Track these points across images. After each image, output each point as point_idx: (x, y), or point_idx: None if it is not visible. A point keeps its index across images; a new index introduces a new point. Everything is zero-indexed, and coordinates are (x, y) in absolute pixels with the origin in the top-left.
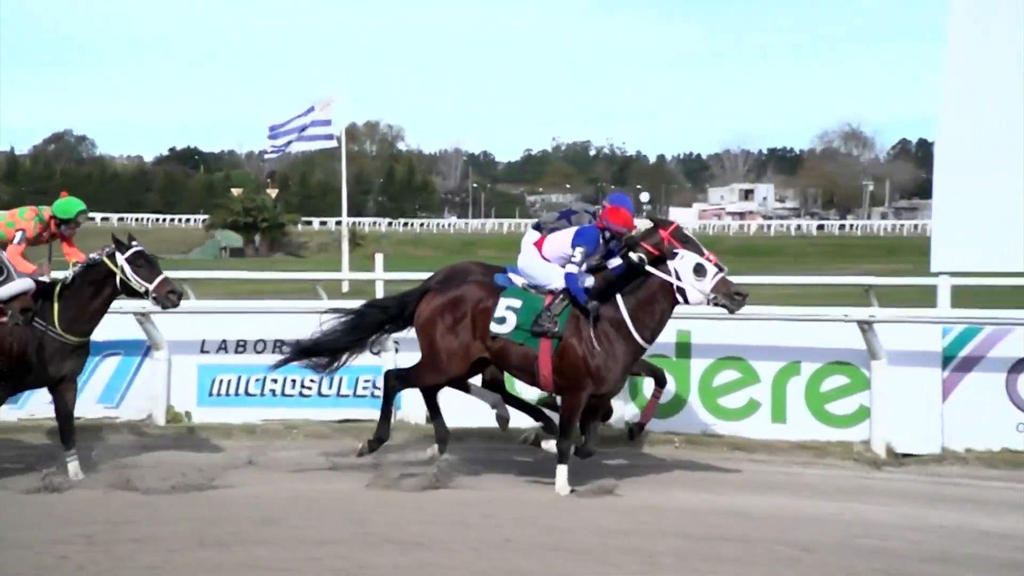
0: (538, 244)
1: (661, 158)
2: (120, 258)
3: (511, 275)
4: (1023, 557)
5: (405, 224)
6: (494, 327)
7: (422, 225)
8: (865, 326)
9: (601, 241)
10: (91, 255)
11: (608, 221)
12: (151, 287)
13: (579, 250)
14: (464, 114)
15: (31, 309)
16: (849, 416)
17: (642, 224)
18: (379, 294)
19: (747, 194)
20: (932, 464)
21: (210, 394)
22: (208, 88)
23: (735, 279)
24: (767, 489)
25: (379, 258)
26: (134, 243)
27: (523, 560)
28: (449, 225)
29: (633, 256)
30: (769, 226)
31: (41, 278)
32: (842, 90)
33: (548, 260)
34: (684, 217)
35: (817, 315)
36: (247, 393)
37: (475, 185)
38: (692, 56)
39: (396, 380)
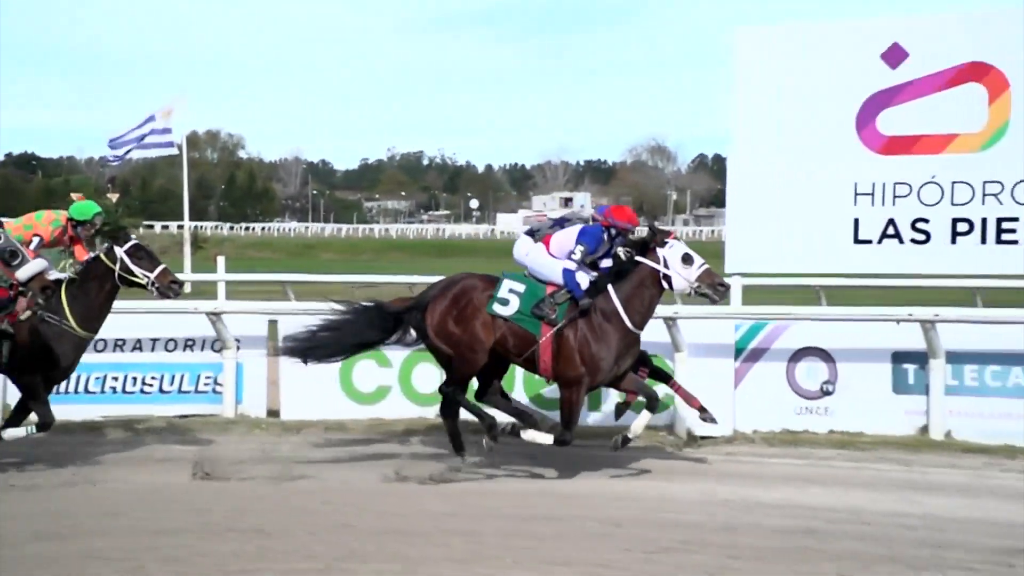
0: (545, 241)
1: (489, 168)
2: (119, 251)
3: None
4: (793, 523)
5: (247, 228)
6: (496, 307)
7: (263, 229)
8: (670, 322)
9: (606, 239)
10: (90, 254)
11: (613, 219)
12: (153, 277)
13: (580, 248)
14: (303, 125)
15: (50, 287)
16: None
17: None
18: (221, 294)
19: (567, 202)
20: (724, 444)
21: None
22: (46, 95)
23: None
24: (581, 470)
25: (221, 260)
26: (131, 237)
27: (358, 543)
28: (290, 229)
29: (621, 251)
30: None
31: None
32: (648, 108)
33: (555, 256)
34: (510, 222)
35: None
36: (87, 391)
37: (314, 192)
38: (517, 74)
39: (451, 389)
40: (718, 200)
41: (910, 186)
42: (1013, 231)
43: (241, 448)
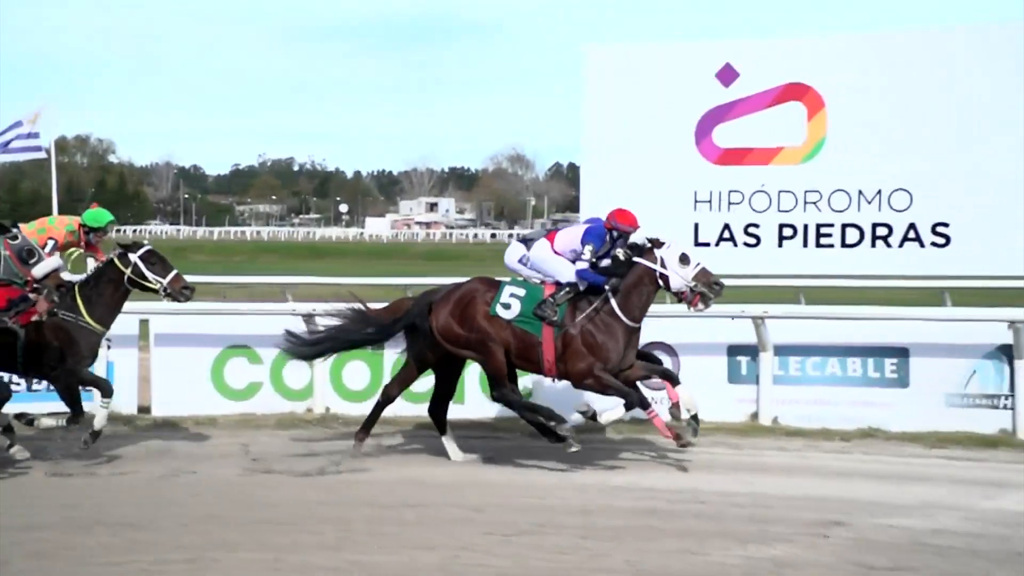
0: (550, 238)
1: (358, 174)
2: (133, 257)
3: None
4: (639, 504)
5: (118, 230)
6: (499, 311)
7: (135, 232)
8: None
9: (608, 240)
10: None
11: (616, 221)
12: (165, 282)
13: (588, 248)
14: (175, 131)
15: (64, 285)
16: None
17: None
18: None
19: (432, 207)
20: (580, 434)
21: None
22: None
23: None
24: (443, 461)
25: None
26: (145, 243)
27: (228, 533)
28: (162, 232)
29: (619, 252)
30: (452, 234)
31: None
32: (509, 119)
33: (560, 253)
34: (378, 226)
35: None
36: None
37: (186, 196)
38: (384, 85)
39: (503, 392)
40: (573, 206)
41: (742, 194)
42: (829, 235)
43: (111, 444)
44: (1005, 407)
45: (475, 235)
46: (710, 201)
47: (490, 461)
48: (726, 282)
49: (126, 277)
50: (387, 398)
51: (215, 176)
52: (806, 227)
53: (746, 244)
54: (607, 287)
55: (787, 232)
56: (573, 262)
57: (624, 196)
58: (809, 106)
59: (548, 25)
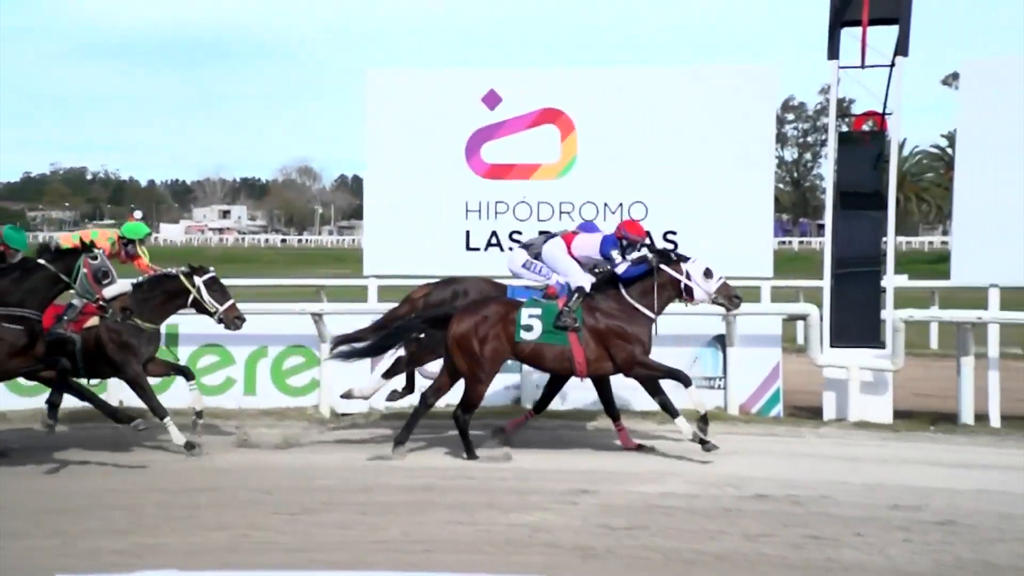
0: (566, 240)
1: (152, 182)
2: (198, 280)
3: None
4: (416, 482)
5: None
6: (523, 335)
7: None
8: (316, 317)
9: (619, 247)
10: (168, 269)
11: (626, 231)
12: (221, 310)
13: (616, 253)
14: None
15: (129, 308)
16: (304, 387)
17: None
18: None
19: (225, 214)
20: (362, 419)
21: None
22: None
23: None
24: (236, 447)
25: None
26: (211, 270)
27: (14, 522)
28: None
29: (650, 256)
30: (244, 239)
31: None
32: (297, 133)
33: (575, 256)
34: (172, 231)
35: (281, 310)
36: None
37: None
38: (178, 100)
39: (462, 412)
40: (358, 214)
41: (507, 205)
42: None
43: None
44: (719, 387)
45: (266, 240)
46: (479, 211)
47: (279, 447)
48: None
49: (190, 297)
50: (425, 405)
51: (5, 184)
52: None
53: (511, 249)
54: (621, 289)
55: None
56: (586, 267)
57: (404, 205)
58: (562, 128)
59: (332, 49)
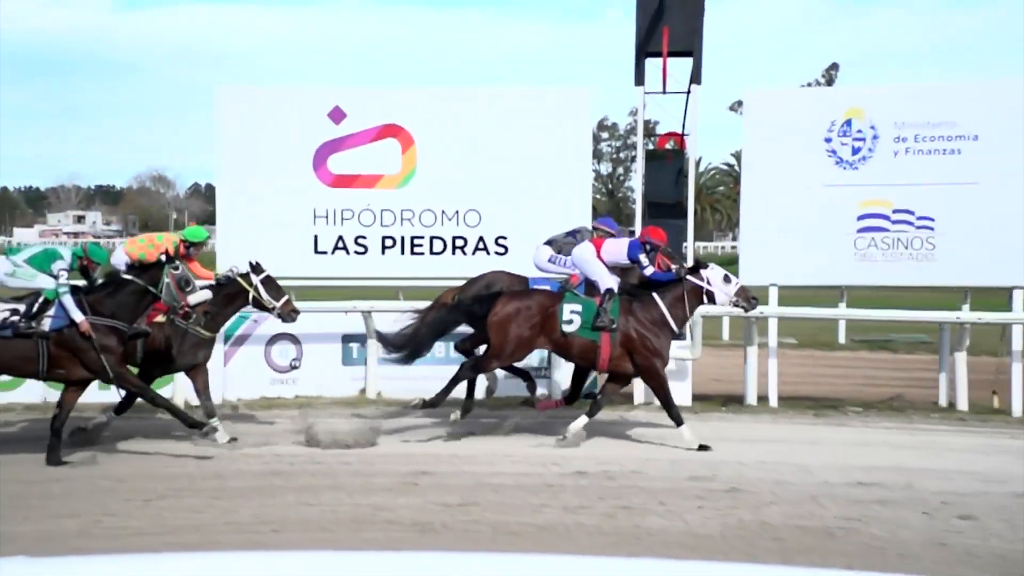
0: (596, 244)
1: (5, 189)
2: (255, 279)
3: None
4: (266, 467)
5: None
6: (565, 327)
7: None
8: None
9: (644, 251)
10: (223, 273)
11: (650, 237)
12: (278, 305)
13: (644, 257)
14: None
15: (210, 313)
16: (159, 382)
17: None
18: None
19: (80, 219)
20: (226, 410)
21: None
22: None
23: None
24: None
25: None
26: (265, 269)
27: None
28: None
29: (674, 266)
30: (99, 242)
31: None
32: (151, 144)
33: (603, 260)
34: (26, 235)
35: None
36: None
37: None
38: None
39: (470, 370)
40: (211, 219)
41: (353, 211)
42: (421, 245)
43: None
44: (545, 375)
45: (121, 242)
46: (327, 217)
47: (130, 437)
48: (340, 284)
49: (250, 296)
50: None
51: None
52: (403, 239)
53: (356, 252)
54: (655, 296)
55: (388, 243)
56: (614, 271)
57: (256, 211)
58: (403, 142)
59: (184, 64)
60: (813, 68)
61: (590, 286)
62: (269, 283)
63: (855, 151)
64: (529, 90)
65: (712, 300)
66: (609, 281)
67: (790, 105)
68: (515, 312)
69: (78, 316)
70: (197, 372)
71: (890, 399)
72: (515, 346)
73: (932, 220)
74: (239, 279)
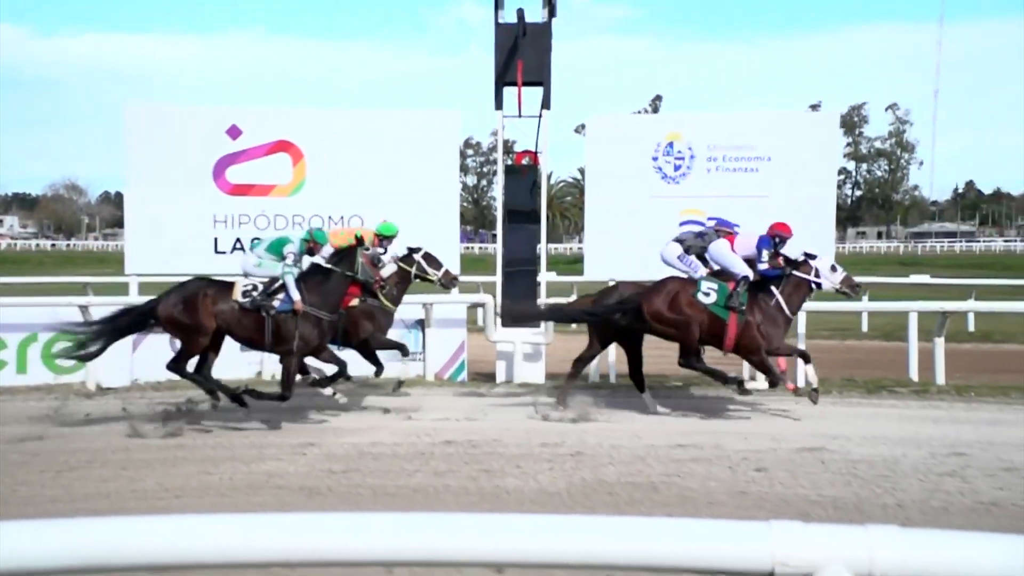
0: (730, 239)
1: None
2: (417, 257)
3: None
4: (177, 441)
5: None
6: (701, 297)
7: None
8: (84, 308)
9: (772, 245)
10: (388, 261)
11: (778, 231)
12: (440, 275)
13: (765, 252)
14: None
15: (400, 283)
16: (72, 367)
17: None
18: None
19: None
20: (124, 392)
21: None
22: None
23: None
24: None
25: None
26: (422, 247)
27: None
28: None
29: (782, 261)
30: (16, 244)
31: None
32: (65, 154)
33: (736, 253)
34: None
35: (52, 302)
36: None
37: None
38: None
39: (690, 360)
40: (120, 223)
41: (249, 216)
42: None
43: None
44: (420, 359)
45: (37, 245)
46: (226, 221)
47: (44, 418)
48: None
49: (412, 274)
50: (576, 371)
51: None
52: None
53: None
54: (773, 289)
55: None
56: (746, 261)
57: (160, 216)
58: (293, 156)
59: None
60: (642, 98)
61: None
62: (428, 258)
63: (676, 168)
64: (405, 112)
65: (819, 288)
66: (744, 270)
67: (623, 129)
68: (662, 301)
69: (295, 295)
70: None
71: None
72: (687, 318)
73: (738, 227)
74: (401, 263)
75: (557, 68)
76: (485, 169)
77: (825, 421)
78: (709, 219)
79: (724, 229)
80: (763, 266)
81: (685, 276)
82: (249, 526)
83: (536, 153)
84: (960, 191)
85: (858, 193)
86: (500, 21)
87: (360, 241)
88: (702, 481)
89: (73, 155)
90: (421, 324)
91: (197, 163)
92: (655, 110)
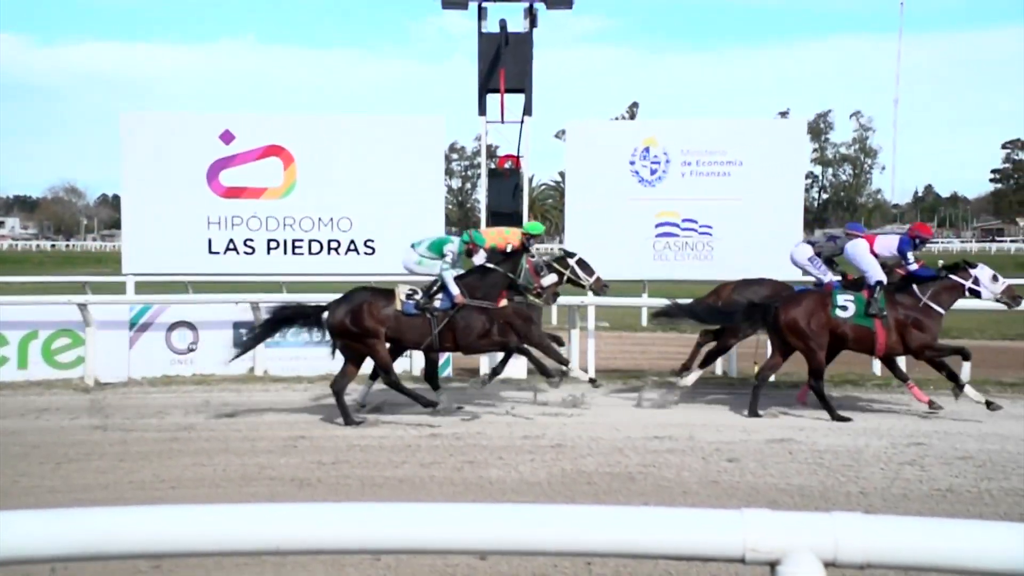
0: (869, 240)
1: None
2: (571, 261)
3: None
4: (164, 435)
5: None
6: (839, 313)
7: None
8: (82, 306)
9: (913, 246)
10: (540, 263)
11: (918, 232)
12: (592, 281)
13: (910, 254)
14: None
15: (557, 294)
16: (71, 363)
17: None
18: None
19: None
20: (122, 387)
21: None
22: None
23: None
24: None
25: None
26: (576, 253)
27: None
28: None
29: (940, 267)
30: (17, 245)
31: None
32: (65, 159)
33: (878, 254)
34: None
35: (51, 300)
36: None
37: None
38: None
39: (815, 380)
40: (118, 224)
41: (242, 218)
42: (301, 247)
43: None
44: (406, 356)
45: (37, 245)
46: (219, 223)
47: (45, 410)
48: (231, 280)
49: (565, 276)
50: (763, 380)
51: None
52: (286, 241)
53: (246, 253)
54: (915, 289)
55: (273, 245)
56: (883, 264)
57: (156, 218)
58: (284, 160)
59: (92, 91)
60: (619, 105)
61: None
62: (582, 264)
63: (652, 172)
64: (393, 118)
65: (977, 295)
66: (879, 275)
67: (602, 134)
68: (799, 313)
69: (455, 290)
70: (516, 331)
71: (677, 371)
72: (818, 336)
73: (711, 228)
74: (555, 264)
75: (538, 76)
76: (469, 172)
77: (792, 413)
78: (684, 220)
79: (854, 233)
80: (913, 267)
81: (822, 293)
82: (242, 516)
83: (518, 157)
84: (920, 194)
85: (824, 196)
86: (483, 31)
87: (525, 248)
88: (677, 471)
89: (72, 159)
90: None
91: (191, 167)
92: (632, 116)
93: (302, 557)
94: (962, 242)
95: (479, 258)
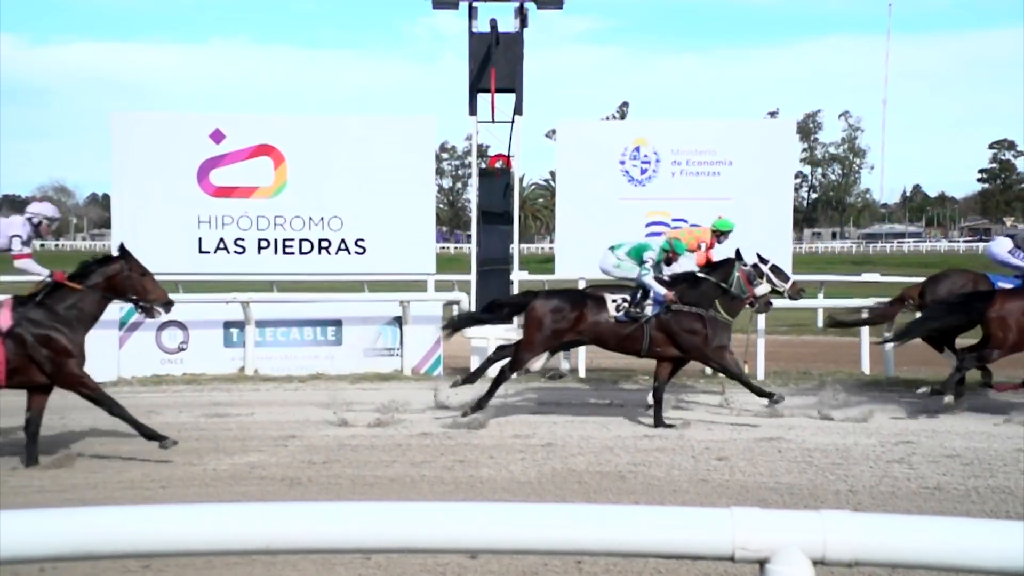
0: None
1: None
2: (765, 268)
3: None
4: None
5: None
6: None
7: None
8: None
9: None
10: (751, 272)
11: None
12: (787, 287)
13: None
14: None
15: (771, 303)
16: None
17: None
18: None
19: None
20: (111, 386)
21: None
22: None
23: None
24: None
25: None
26: (769, 259)
27: None
28: None
29: None
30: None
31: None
32: (54, 158)
33: None
34: None
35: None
36: None
37: None
38: None
39: (973, 361)
40: (108, 223)
41: (232, 217)
42: (292, 246)
43: None
44: (397, 355)
45: (44, 245)
46: (210, 222)
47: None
48: (222, 279)
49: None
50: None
51: None
52: (276, 241)
53: (236, 252)
54: None
55: (263, 244)
56: None
57: (147, 217)
58: (275, 160)
59: (81, 91)
60: (609, 105)
61: None
62: (776, 270)
63: (643, 171)
64: (383, 118)
65: None
66: None
67: (592, 134)
68: (1014, 308)
69: (661, 290)
70: (723, 352)
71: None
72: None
73: (698, 227)
74: (750, 271)
75: (529, 76)
76: (460, 172)
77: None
78: (674, 220)
79: None
80: None
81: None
82: (232, 515)
83: (509, 157)
84: (908, 194)
85: (814, 196)
86: (474, 31)
87: (739, 256)
88: (667, 470)
89: (62, 159)
90: (399, 321)
91: (181, 167)
92: (622, 116)
93: (293, 556)
94: (949, 241)
95: (677, 266)
